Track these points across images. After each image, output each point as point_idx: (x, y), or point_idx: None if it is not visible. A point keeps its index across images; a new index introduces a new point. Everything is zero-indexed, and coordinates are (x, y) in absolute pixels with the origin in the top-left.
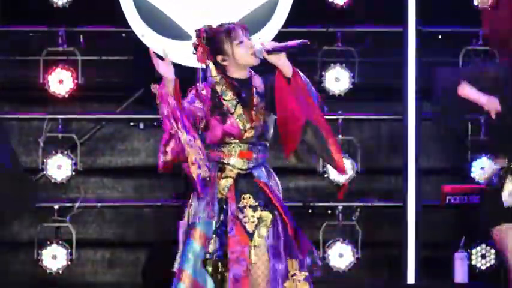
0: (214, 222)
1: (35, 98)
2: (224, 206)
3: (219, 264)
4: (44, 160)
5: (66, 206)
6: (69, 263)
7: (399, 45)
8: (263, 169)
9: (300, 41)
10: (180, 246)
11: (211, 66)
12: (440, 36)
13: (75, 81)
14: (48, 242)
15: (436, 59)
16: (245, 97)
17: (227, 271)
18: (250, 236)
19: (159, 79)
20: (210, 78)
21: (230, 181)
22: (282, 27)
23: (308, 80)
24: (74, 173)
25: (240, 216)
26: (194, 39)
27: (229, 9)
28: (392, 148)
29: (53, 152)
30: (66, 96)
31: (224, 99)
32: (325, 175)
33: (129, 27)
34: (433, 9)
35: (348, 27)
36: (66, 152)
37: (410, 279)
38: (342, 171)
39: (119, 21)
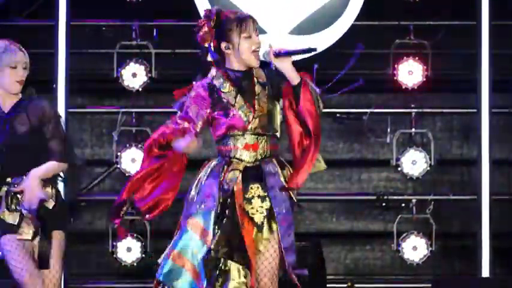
0: (213, 214)
1: (108, 91)
2: (229, 200)
3: (221, 261)
4: (118, 153)
5: None
6: (143, 255)
7: (471, 37)
8: (274, 161)
9: (307, 47)
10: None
11: (211, 49)
12: None
13: (148, 74)
14: None
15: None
16: (245, 87)
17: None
18: (259, 227)
19: None
20: (208, 77)
21: (237, 173)
22: (355, 21)
23: (317, 90)
24: None
25: (248, 208)
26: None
27: (301, 2)
28: (464, 140)
29: (127, 145)
30: (140, 89)
31: (223, 92)
32: (399, 168)
33: None
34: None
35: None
36: (140, 145)
37: (485, 271)
38: (293, 184)
39: (192, 14)
